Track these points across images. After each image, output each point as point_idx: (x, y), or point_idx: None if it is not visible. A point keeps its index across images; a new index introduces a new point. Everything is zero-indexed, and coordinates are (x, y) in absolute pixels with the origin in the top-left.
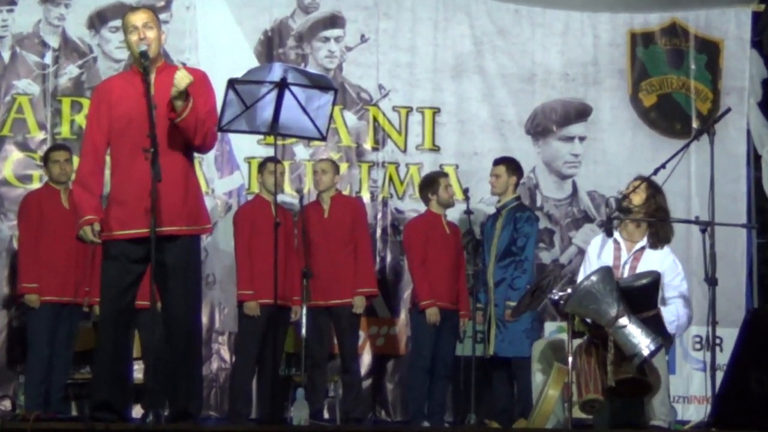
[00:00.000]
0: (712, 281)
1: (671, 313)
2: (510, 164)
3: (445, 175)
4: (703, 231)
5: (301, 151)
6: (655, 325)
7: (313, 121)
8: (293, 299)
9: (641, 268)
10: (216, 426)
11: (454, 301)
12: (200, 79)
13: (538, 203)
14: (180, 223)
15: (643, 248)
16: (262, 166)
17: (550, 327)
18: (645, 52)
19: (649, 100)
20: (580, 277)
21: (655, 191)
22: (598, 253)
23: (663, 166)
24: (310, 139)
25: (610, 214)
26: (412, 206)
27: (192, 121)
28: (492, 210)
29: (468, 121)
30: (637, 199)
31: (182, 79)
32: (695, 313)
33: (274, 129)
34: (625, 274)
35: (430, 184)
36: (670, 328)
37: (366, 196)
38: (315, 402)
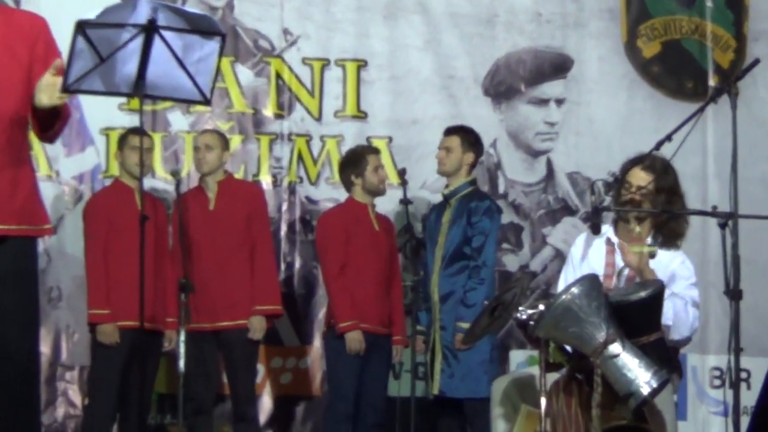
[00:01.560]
0: (734, 294)
1: (668, 307)
2: (467, 136)
3: (375, 151)
4: (723, 226)
5: (177, 120)
6: (657, 354)
7: (192, 79)
8: (167, 321)
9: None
10: None
11: (386, 322)
12: (43, 28)
13: (501, 189)
14: (9, 220)
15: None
16: (123, 139)
17: (516, 357)
18: None
19: (651, 49)
20: (558, 290)
21: (663, 170)
22: (583, 256)
23: (669, 137)
24: (189, 102)
25: (598, 203)
26: (330, 194)
27: (65, 121)
28: (438, 198)
29: (405, 77)
30: (638, 181)
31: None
32: (712, 338)
33: (139, 89)
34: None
35: (354, 163)
36: (666, 321)
37: (266, 181)
38: None
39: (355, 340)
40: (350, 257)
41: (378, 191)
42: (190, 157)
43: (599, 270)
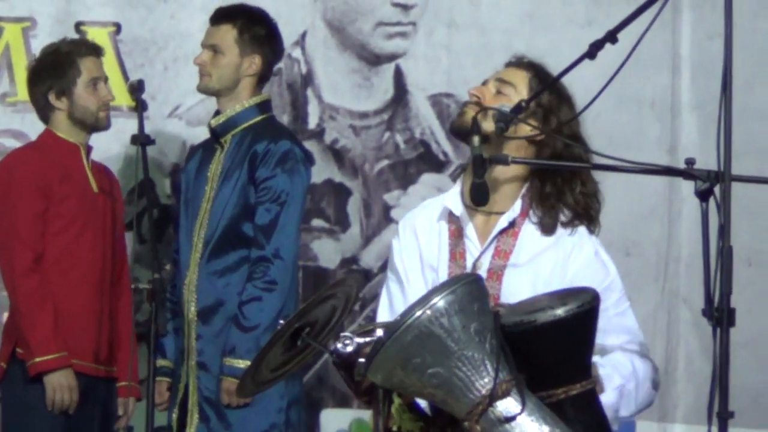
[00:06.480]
0: (720, 316)
1: (618, 366)
2: (249, 26)
3: (92, 50)
4: (705, 195)
5: None
6: (585, 419)
7: None
8: None
9: (510, 283)
10: None
11: (105, 355)
12: None
13: (312, 123)
14: None
15: (512, 225)
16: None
17: (332, 421)
18: None
19: None
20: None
21: (547, 75)
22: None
23: (612, 37)
24: None
25: (476, 150)
26: (10, 122)
27: None
28: (200, 134)
29: None
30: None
31: None
32: (680, 394)
33: None
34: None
35: (55, 71)
36: (610, 400)
37: None
38: None
39: (64, 386)
40: (53, 238)
41: (97, 123)
42: None
43: (442, 272)
